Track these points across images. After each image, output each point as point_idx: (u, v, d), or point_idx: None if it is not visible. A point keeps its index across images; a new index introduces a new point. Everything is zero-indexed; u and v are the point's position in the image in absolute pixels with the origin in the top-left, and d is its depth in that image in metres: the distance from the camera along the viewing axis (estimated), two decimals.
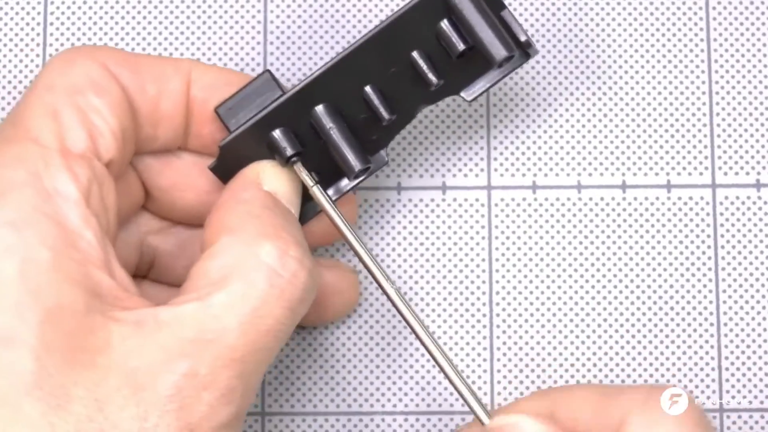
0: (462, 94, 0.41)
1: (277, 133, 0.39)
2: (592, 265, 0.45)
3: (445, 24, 0.40)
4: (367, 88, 0.40)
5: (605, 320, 0.44)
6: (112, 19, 0.46)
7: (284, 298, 0.36)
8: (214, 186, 0.40)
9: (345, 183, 0.42)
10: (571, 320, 0.44)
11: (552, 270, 0.45)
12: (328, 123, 0.40)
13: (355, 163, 0.40)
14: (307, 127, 0.40)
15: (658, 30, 0.46)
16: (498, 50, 0.39)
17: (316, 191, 0.39)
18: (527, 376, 0.44)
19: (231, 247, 0.36)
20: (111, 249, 0.36)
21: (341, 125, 0.40)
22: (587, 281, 0.45)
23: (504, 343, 0.44)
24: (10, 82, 0.45)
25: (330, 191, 0.41)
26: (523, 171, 0.45)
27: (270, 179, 0.39)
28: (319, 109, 0.40)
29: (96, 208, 0.36)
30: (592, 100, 0.45)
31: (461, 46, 0.40)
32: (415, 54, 0.40)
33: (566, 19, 0.46)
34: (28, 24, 0.46)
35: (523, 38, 0.40)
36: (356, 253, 0.39)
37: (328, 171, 0.41)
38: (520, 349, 0.44)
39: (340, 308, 0.43)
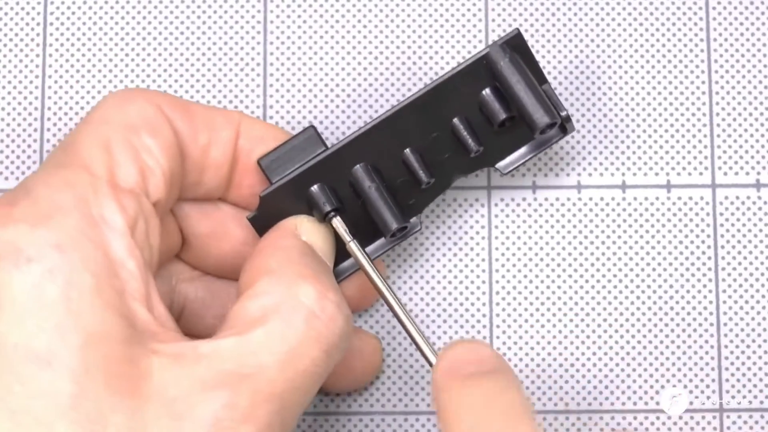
0: (498, 166, 0.42)
1: (315, 189, 0.40)
2: (592, 265, 0.45)
3: (487, 92, 0.40)
4: (407, 151, 0.41)
5: (605, 320, 0.44)
6: (111, 19, 0.46)
7: (321, 340, 0.36)
8: (249, 238, 0.40)
9: (378, 245, 0.42)
10: (571, 320, 0.44)
11: (552, 270, 0.45)
12: (367, 182, 0.40)
13: (392, 221, 0.40)
14: (346, 185, 0.40)
15: (658, 30, 0.46)
16: (541, 116, 0.40)
17: (353, 246, 0.40)
18: (527, 376, 0.44)
19: (270, 287, 0.37)
20: (153, 284, 0.36)
21: (380, 185, 0.40)
22: (587, 281, 0.45)
23: (504, 343, 0.44)
24: (10, 82, 0.45)
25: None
26: (523, 171, 0.45)
27: (307, 232, 0.39)
28: (359, 167, 0.40)
29: (141, 243, 0.36)
30: (592, 100, 0.45)
31: (503, 115, 0.40)
32: (456, 120, 0.41)
33: (566, 19, 0.46)
34: (27, 24, 0.46)
35: (563, 113, 0.40)
36: (392, 310, 0.39)
37: (363, 232, 0.41)
38: (520, 349, 0.44)
39: (363, 373, 0.43)
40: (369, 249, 0.42)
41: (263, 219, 0.40)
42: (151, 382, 0.34)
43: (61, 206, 0.35)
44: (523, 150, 0.42)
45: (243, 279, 0.38)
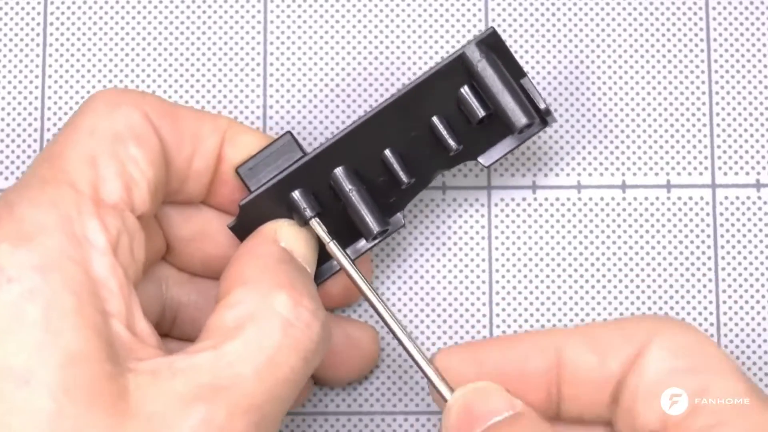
0: (480, 159, 0.42)
1: (296, 194, 0.40)
2: (592, 265, 0.45)
3: (465, 90, 0.40)
4: (387, 152, 0.41)
5: (605, 320, 0.44)
6: (111, 19, 0.46)
7: (298, 348, 0.36)
8: (233, 240, 0.41)
9: (362, 244, 0.42)
10: (571, 320, 0.44)
11: (552, 270, 0.45)
12: (347, 185, 0.40)
13: (373, 225, 0.40)
14: (326, 189, 0.40)
15: (658, 30, 0.46)
16: (519, 118, 0.40)
17: (332, 247, 0.40)
18: None
19: (245, 297, 0.37)
20: (135, 300, 0.36)
21: (360, 188, 0.40)
22: (587, 281, 0.45)
23: None
24: (10, 82, 0.45)
25: (347, 251, 0.42)
26: (523, 171, 0.45)
27: (287, 237, 0.39)
28: (339, 171, 0.40)
29: (124, 260, 0.36)
30: (592, 100, 0.45)
31: (481, 113, 0.40)
32: (435, 119, 0.41)
33: (566, 19, 0.46)
34: (27, 24, 0.46)
35: (542, 106, 0.40)
36: (374, 308, 0.39)
37: (346, 232, 0.41)
38: None
39: (361, 364, 0.43)
40: (353, 248, 0.42)
41: (244, 226, 0.40)
42: (128, 399, 0.34)
43: (44, 226, 0.35)
44: (504, 143, 0.42)
45: (221, 287, 0.38)
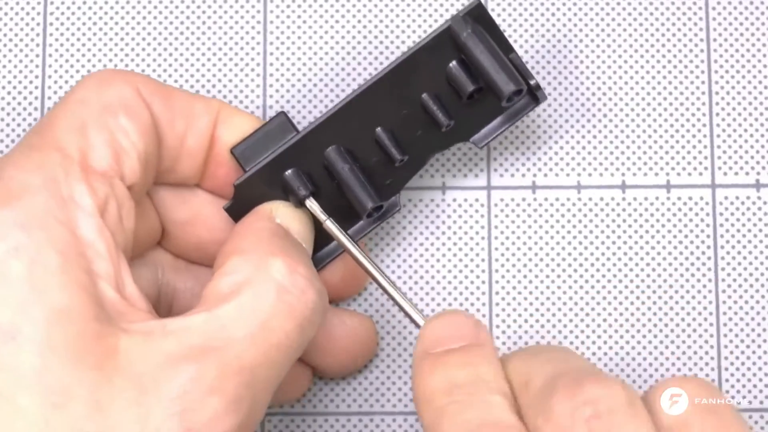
0: (472, 140, 0.42)
1: (290, 173, 0.40)
2: (592, 265, 0.45)
3: (454, 65, 0.40)
4: (378, 130, 0.41)
5: (605, 320, 0.44)
6: (111, 19, 0.46)
7: (293, 314, 0.36)
8: (227, 225, 0.41)
9: (359, 227, 0.42)
10: (571, 320, 0.44)
11: (552, 270, 0.45)
12: (340, 163, 0.40)
13: (367, 200, 0.40)
14: (320, 169, 0.41)
15: (658, 30, 0.46)
16: (506, 84, 0.40)
17: (329, 225, 0.40)
18: None
19: (241, 265, 0.37)
20: (125, 265, 0.36)
21: (353, 166, 0.40)
22: (587, 281, 0.45)
23: (504, 343, 0.44)
24: (9, 82, 0.45)
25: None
26: (522, 171, 0.45)
27: (282, 215, 0.40)
28: (332, 150, 0.40)
29: (112, 225, 0.36)
30: (592, 100, 0.45)
31: (471, 87, 0.40)
32: (425, 96, 0.41)
33: (566, 19, 0.46)
34: (27, 24, 0.46)
35: (532, 81, 0.40)
36: (376, 282, 0.39)
37: (342, 213, 0.41)
38: (520, 348, 0.44)
39: (359, 354, 0.43)
40: (350, 232, 0.42)
41: (239, 207, 0.40)
42: (118, 358, 0.34)
43: (30, 187, 0.35)
44: (496, 122, 0.42)
45: (217, 260, 0.38)
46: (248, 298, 0.36)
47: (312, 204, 0.40)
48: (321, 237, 0.41)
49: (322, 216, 0.40)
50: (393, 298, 0.39)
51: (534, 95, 0.41)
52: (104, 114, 0.37)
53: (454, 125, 0.41)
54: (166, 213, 0.41)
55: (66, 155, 0.36)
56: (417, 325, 0.38)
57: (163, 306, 0.42)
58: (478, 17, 0.40)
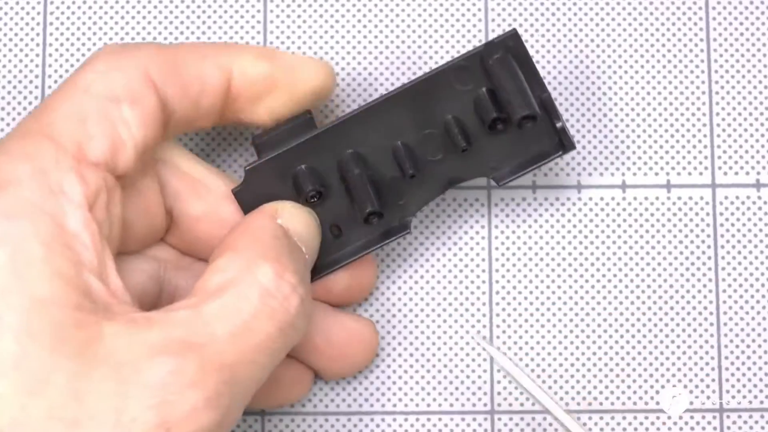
0: (492, 177, 0.42)
1: (301, 169, 0.40)
2: (592, 265, 0.45)
3: (482, 92, 0.40)
4: (398, 143, 0.41)
5: (605, 320, 0.44)
6: (111, 19, 0.46)
7: (275, 317, 0.37)
8: (238, 221, 0.41)
9: (363, 243, 0.42)
10: (571, 320, 0.44)
11: (552, 270, 0.45)
12: (352, 167, 0.40)
13: (365, 203, 0.40)
14: (334, 172, 0.41)
15: (658, 30, 0.46)
16: (519, 106, 0.39)
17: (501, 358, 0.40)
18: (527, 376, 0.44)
19: (231, 263, 0.37)
20: (110, 258, 0.37)
21: (365, 173, 0.41)
22: (587, 281, 0.45)
23: (504, 343, 0.44)
24: (9, 82, 0.45)
25: (349, 248, 0.42)
26: None
27: (286, 216, 0.40)
28: (348, 154, 0.41)
29: (100, 217, 0.37)
30: (592, 100, 0.45)
31: (493, 113, 0.40)
32: (449, 117, 0.41)
33: (566, 19, 0.46)
34: (27, 24, 0.46)
35: (558, 124, 0.40)
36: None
37: (348, 222, 0.41)
38: (520, 348, 0.44)
39: (359, 357, 0.43)
40: (354, 247, 0.42)
41: (248, 194, 0.40)
42: (99, 347, 0.34)
43: (18, 176, 0.36)
44: (520, 162, 0.41)
45: (213, 254, 0.38)
46: (232, 298, 0.36)
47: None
48: (331, 246, 0.41)
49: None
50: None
51: (562, 142, 0.41)
52: (107, 104, 0.37)
53: (476, 157, 0.41)
54: (178, 207, 0.41)
55: (59, 145, 0.36)
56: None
57: (164, 302, 0.42)
58: (513, 49, 0.40)
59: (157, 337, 0.35)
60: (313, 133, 0.40)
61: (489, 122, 0.40)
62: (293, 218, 0.40)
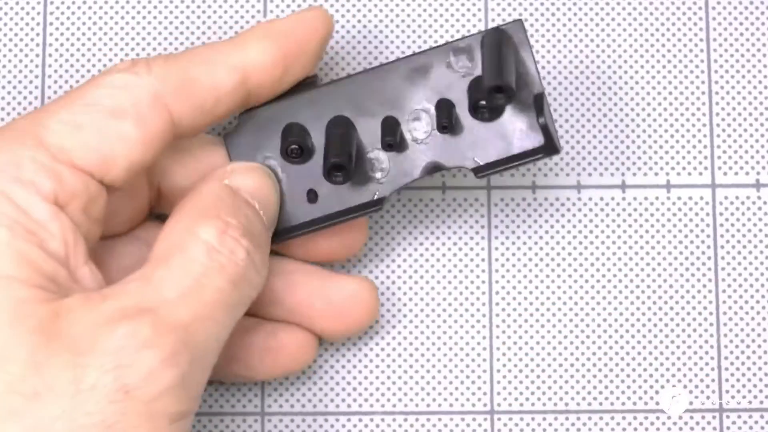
0: (472, 168, 0.41)
1: (292, 123, 0.41)
2: (592, 265, 0.45)
3: (477, 77, 0.40)
4: (387, 115, 0.41)
5: (605, 320, 0.44)
6: (111, 19, 0.46)
7: (225, 271, 0.37)
8: None
9: (338, 211, 0.42)
10: (571, 320, 0.44)
11: (552, 270, 0.45)
12: (338, 128, 0.41)
13: (330, 155, 0.40)
14: (322, 136, 0.41)
15: (658, 30, 0.46)
16: (491, 77, 0.39)
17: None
18: (527, 376, 0.44)
19: (175, 228, 0.38)
20: (81, 248, 0.37)
21: (350, 135, 0.41)
22: (587, 281, 0.45)
23: (504, 343, 0.44)
24: (9, 82, 0.45)
25: (321, 216, 0.42)
26: (522, 171, 0.45)
27: (237, 176, 0.40)
28: (339, 116, 0.41)
29: (76, 217, 0.37)
30: (592, 100, 0.45)
31: (479, 95, 0.40)
32: (441, 99, 0.41)
33: (566, 19, 0.46)
34: (27, 24, 0.46)
35: (541, 120, 0.40)
36: None
37: (329, 192, 0.41)
38: (520, 349, 0.44)
39: (360, 318, 0.43)
40: (329, 213, 0.42)
41: (238, 141, 0.41)
42: (58, 323, 0.35)
43: None
44: (503, 158, 0.41)
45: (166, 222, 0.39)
46: (179, 260, 0.37)
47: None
48: (309, 206, 0.41)
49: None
50: None
51: (549, 144, 0.40)
52: (108, 120, 0.38)
53: (460, 145, 0.41)
54: (166, 180, 0.41)
55: (41, 143, 0.37)
56: None
57: None
58: (516, 38, 0.40)
59: (111, 308, 0.36)
60: (307, 91, 0.41)
61: (474, 103, 0.40)
62: (245, 177, 0.40)
